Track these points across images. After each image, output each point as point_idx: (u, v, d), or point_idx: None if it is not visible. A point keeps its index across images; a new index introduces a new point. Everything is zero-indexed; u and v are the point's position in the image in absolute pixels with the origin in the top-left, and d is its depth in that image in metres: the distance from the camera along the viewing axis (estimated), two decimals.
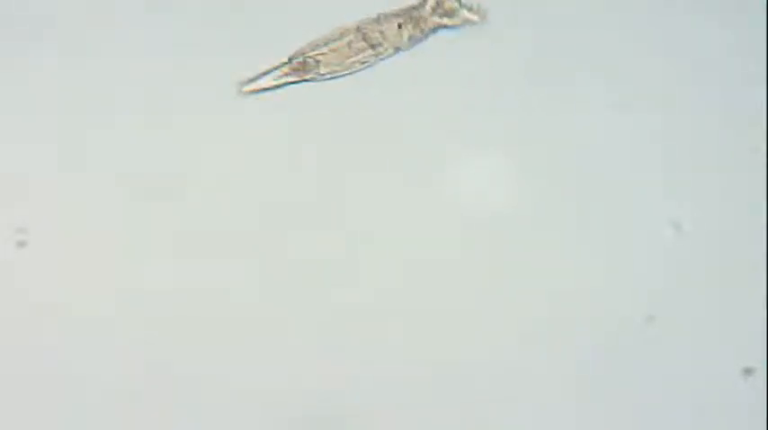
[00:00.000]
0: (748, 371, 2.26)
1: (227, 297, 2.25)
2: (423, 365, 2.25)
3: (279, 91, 2.29)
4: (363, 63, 2.27)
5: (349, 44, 2.25)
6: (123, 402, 2.23)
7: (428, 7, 2.28)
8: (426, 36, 2.28)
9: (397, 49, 2.27)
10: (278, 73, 2.27)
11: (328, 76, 2.26)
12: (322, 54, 2.25)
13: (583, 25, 2.31)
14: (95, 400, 2.24)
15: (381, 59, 2.26)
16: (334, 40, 2.26)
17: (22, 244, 2.25)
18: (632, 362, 2.26)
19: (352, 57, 2.26)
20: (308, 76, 2.26)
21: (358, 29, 2.26)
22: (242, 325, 2.25)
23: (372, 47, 2.26)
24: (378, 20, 2.28)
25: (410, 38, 2.27)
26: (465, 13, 2.28)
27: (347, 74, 2.27)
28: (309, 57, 2.25)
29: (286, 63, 2.25)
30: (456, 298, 2.26)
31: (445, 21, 2.28)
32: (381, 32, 2.26)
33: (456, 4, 2.28)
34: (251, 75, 2.25)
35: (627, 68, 2.30)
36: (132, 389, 2.24)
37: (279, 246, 2.26)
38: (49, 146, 2.27)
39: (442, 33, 2.30)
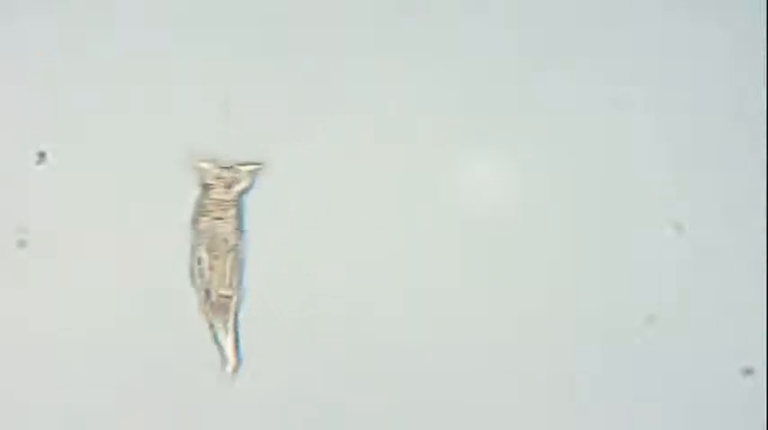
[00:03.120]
0: (748, 372, 2.25)
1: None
2: (422, 365, 2.25)
3: (279, 91, 2.29)
4: (237, 259, 2.23)
5: (215, 258, 2.23)
6: (123, 402, 2.23)
7: (216, 189, 2.23)
8: (239, 205, 2.24)
9: (239, 231, 2.24)
10: (222, 333, 2.24)
11: (240, 289, 2.25)
12: (212, 278, 2.23)
13: (583, 25, 2.31)
14: (95, 400, 2.24)
15: (243, 241, 2.23)
16: (203, 269, 2.23)
17: (22, 244, 2.26)
18: (632, 362, 2.26)
19: (226, 262, 2.23)
20: (233, 303, 2.24)
21: (198, 243, 2.23)
22: (242, 324, 2.25)
23: (223, 243, 2.23)
24: (197, 228, 2.23)
25: (235, 216, 2.23)
26: (244, 170, 2.24)
27: (240, 280, 2.24)
28: (218, 295, 2.23)
29: (211, 316, 2.24)
30: (455, 298, 2.26)
31: (240, 187, 2.24)
32: (211, 235, 2.23)
33: (231, 173, 2.23)
34: (219, 355, 2.24)
35: (627, 68, 2.30)
36: (132, 389, 2.24)
37: (278, 246, 2.26)
38: (50, 145, 2.27)
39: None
